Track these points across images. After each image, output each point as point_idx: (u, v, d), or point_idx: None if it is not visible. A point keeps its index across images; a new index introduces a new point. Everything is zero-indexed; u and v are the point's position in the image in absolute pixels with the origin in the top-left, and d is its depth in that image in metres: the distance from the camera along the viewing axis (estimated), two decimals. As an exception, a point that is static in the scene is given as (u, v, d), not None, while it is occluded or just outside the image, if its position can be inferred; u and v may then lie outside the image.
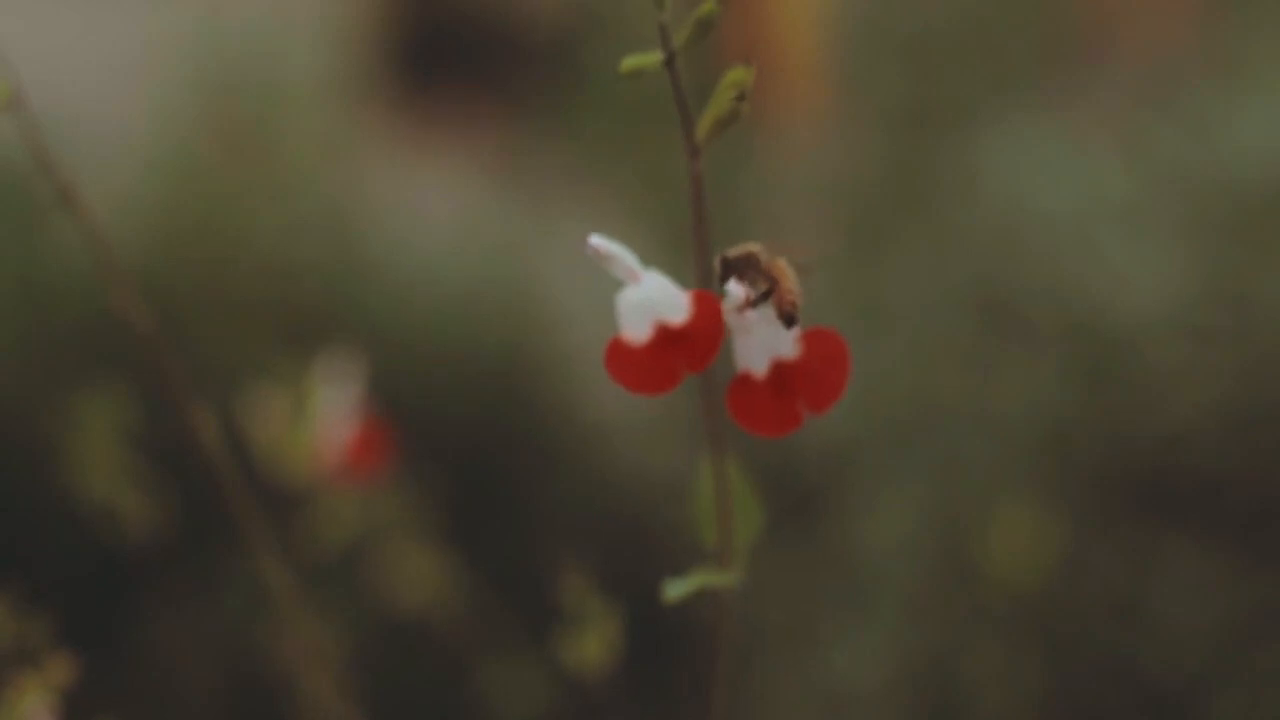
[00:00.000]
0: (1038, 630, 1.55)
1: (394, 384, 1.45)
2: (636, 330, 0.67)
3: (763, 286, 0.69)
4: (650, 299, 0.67)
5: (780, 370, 0.68)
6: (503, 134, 2.41)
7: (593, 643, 0.95)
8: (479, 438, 1.82)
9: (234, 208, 1.95)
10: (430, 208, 2.15)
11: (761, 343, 0.68)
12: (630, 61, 0.66)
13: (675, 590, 0.73)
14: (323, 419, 1.19)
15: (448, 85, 2.79)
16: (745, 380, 0.69)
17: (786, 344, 0.68)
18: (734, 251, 0.69)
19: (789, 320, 0.69)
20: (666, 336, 0.67)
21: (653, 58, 0.66)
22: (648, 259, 0.69)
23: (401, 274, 1.93)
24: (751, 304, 0.68)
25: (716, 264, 0.69)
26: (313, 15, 2.44)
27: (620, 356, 0.67)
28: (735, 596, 0.78)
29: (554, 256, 1.94)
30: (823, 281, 1.87)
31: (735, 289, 0.68)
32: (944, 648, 1.56)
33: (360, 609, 1.44)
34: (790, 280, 0.69)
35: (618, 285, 0.69)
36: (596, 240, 0.68)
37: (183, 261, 1.87)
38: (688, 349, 0.67)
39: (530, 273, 1.93)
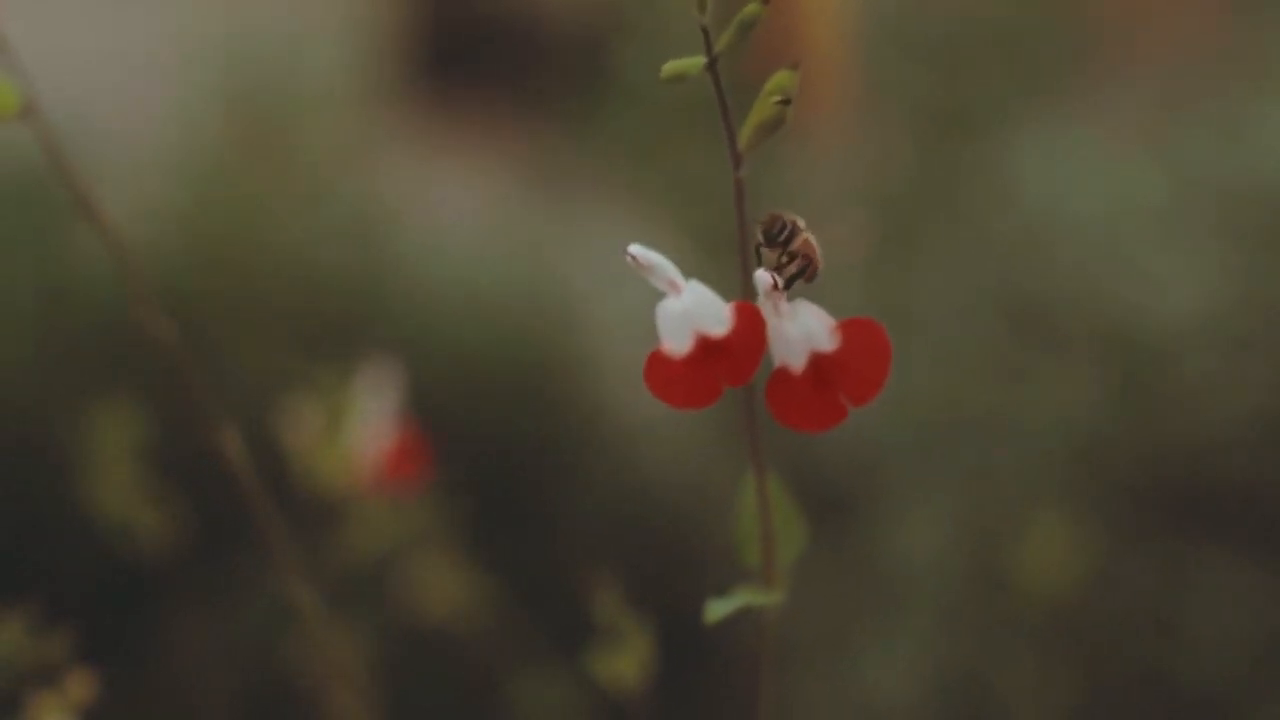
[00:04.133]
0: (1071, 642, 1.53)
1: (419, 390, 1.44)
2: (677, 342, 0.65)
3: (791, 267, 0.67)
4: (691, 310, 0.65)
5: (819, 363, 0.66)
6: (529, 136, 2.39)
7: (627, 660, 0.94)
8: (506, 444, 1.80)
9: (258, 212, 1.94)
10: (456, 211, 2.13)
11: (798, 335, 0.66)
12: (672, 67, 0.64)
13: (717, 611, 0.71)
14: (361, 429, 1.17)
15: (472, 87, 2.78)
16: (783, 375, 0.66)
17: (823, 336, 0.66)
18: (788, 214, 0.68)
19: (810, 278, 0.68)
20: (707, 349, 0.65)
21: (694, 62, 0.64)
22: (678, 262, 0.67)
23: (427, 278, 1.91)
24: (782, 283, 0.66)
25: (763, 220, 0.68)
26: (336, 17, 2.43)
27: (660, 370, 0.65)
28: (775, 615, 0.77)
29: (582, 260, 1.93)
30: (852, 286, 1.86)
31: (763, 276, 0.66)
32: (977, 659, 1.55)
33: (388, 620, 1.43)
34: (818, 254, 0.68)
35: (647, 289, 0.66)
36: (636, 249, 0.66)
37: (207, 267, 1.86)
38: (729, 361, 0.65)
39: (558, 277, 1.92)
